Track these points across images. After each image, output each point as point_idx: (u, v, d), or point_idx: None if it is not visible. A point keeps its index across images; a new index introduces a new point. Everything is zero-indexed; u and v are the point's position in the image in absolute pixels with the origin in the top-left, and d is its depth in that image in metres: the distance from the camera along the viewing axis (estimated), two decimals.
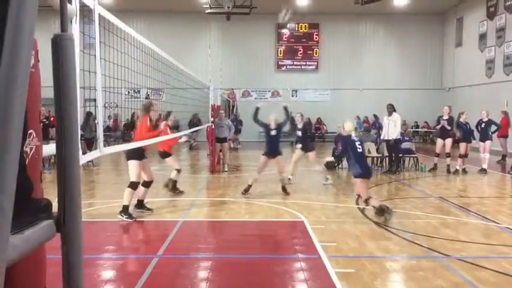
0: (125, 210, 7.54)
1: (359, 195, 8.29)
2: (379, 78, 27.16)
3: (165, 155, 9.72)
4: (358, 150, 7.66)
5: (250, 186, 9.91)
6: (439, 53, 27.53)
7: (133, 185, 7.62)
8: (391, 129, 13.25)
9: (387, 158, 14.04)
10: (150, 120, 7.89)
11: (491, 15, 21.83)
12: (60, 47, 1.86)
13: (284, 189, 9.98)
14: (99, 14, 3.52)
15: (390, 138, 13.33)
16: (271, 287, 4.92)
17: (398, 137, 13.46)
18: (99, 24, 3.88)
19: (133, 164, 7.64)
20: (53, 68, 1.91)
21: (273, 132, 10.07)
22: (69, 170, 2.01)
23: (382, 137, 14.17)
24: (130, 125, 21.81)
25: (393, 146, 13.44)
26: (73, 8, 2.71)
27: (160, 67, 8.17)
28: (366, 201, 7.71)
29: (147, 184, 7.94)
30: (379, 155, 14.66)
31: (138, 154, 7.57)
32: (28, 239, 1.73)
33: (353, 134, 7.98)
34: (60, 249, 2.05)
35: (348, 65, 27.57)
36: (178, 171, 10.00)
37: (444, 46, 27.41)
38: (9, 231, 1.40)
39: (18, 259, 1.62)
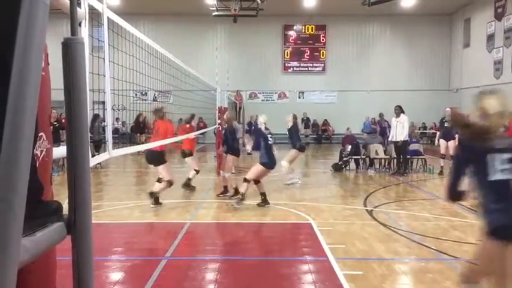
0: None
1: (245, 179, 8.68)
2: (387, 80, 27.08)
3: (187, 154, 10.53)
4: (269, 142, 8.60)
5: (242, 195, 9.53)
6: (446, 54, 27.41)
7: (170, 183, 8.78)
8: (399, 130, 13.21)
9: (395, 160, 13.99)
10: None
11: (499, 16, 21.71)
12: (70, 50, 1.88)
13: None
14: (107, 17, 3.54)
15: (398, 139, 13.29)
16: None
17: (406, 139, 13.41)
18: (108, 27, 3.91)
19: (164, 167, 8.75)
20: (63, 71, 1.92)
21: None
22: (79, 172, 2.02)
23: (389, 139, 14.13)
24: (136, 127, 21.89)
25: (401, 147, 13.40)
26: (82, 11, 2.74)
27: (167, 69, 8.22)
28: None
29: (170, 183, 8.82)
30: (387, 156, 14.61)
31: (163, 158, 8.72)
32: (39, 241, 1.74)
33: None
34: (71, 251, 2.06)
35: (355, 66, 27.52)
36: (197, 172, 10.68)
37: (452, 47, 27.29)
38: (21, 234, 1.41)
39: (29, 261, 1.63)
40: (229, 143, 10.34)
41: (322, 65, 27.82)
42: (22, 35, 1.46)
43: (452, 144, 13.52)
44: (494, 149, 3.06)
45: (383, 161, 14.77)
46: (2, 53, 1.54)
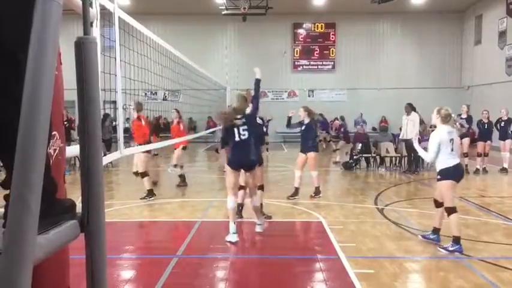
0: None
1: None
2: (397, 78, 26.91)
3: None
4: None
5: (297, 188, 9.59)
6: (458, 51, 27.17)
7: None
8: (410, 128, 13.11)
9: (405, 158, 13.92)
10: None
11: (510, 13, 21.47)
12: (83, 50, 1.89)
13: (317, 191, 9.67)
14: (118, 17, 3.56)
15: (409, 137, 13.19)
16: (290, 287, 4.91)
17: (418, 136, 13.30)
18: (119, 27, 3.92)
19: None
20: (76, 70, 1.94)
21: (304, 127, 9.64)
22: (92, 170, 2.04)
23: (400, 137, 14.05)
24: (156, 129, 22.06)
25: (412, 145, 13.29)
26: (94, 11, 2.75)
27: (177, 68, 8.24)
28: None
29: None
30: (398, 154, 14.53)
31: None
32: (53, 238, 1.76)
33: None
34: (84, 249, 2.07)
35: (365, 64, 27.37)
36: (175, 166, 11.17)
37: (463, 44, 27.04)
38: (37, 231, 1.43)
39: (43, 258, 1.65)
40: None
41: (332, 63, 27.71)
42: (36, 35, 1.47)
43: (466, 142, 13.43)
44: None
45: (393, 159, 14.70)
46: (15, 54, 1.55)
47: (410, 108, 13.34)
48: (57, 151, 2.22)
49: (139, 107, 9.38)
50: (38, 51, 1.47)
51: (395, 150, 14.67)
